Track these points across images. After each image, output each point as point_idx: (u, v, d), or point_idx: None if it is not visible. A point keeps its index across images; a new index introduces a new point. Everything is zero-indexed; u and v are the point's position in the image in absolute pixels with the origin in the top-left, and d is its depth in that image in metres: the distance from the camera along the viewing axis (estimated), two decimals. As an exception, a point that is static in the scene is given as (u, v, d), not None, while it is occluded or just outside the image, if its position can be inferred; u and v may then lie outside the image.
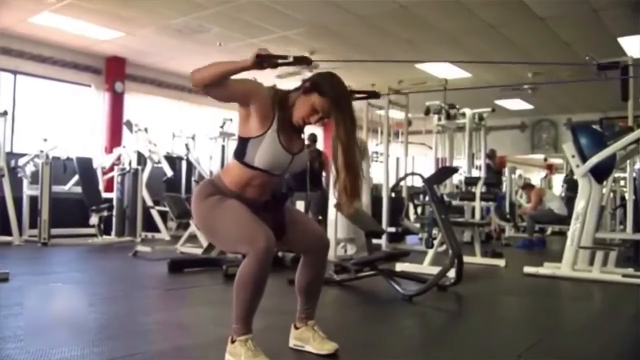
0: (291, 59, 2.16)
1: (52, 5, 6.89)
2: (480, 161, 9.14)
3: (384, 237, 6.99)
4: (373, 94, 2.64)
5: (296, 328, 2.36)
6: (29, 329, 2.70)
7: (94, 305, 3.38)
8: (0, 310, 3.09)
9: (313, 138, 8.61)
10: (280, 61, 2.11)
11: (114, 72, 9.66)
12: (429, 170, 10.22)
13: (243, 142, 2.11)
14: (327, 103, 2.08)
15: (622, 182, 9.61)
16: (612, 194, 8.82)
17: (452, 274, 3.96)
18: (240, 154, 2.12)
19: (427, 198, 5.24)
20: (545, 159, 15.95)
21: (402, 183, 10.19)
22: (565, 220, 8.19)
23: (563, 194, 10.27)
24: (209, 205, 2.13)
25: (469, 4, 6.64)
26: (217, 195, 2.14)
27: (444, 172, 6.13)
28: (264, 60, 1.99)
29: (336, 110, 2.08)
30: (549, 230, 10.21)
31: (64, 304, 3.45)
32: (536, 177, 16.21)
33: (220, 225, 2.12)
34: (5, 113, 7.23)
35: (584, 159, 4.92)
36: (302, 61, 2.25)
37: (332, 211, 5.77)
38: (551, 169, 17.26)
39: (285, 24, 7.51)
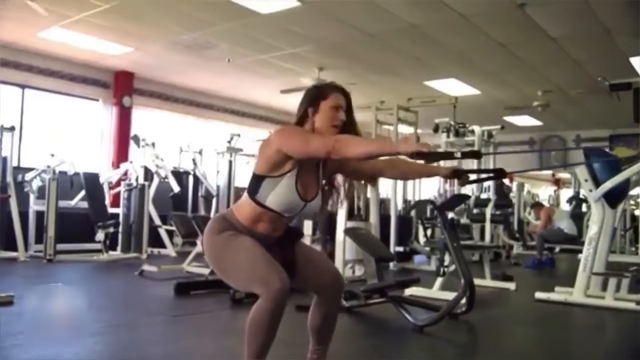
0: (458, 155, 1.90)
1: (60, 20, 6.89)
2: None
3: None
4: (499, 174, 2.20)
5: (307, 369, 2.29)
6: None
7: (99, 335, 3.33)
8: (5, 340, 3.03)
9: None
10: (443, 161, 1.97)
11: (122, 86, 9.66)
12: (436, 187, 10.17)
13: (258, 180, 2.06)
14: (337, 96, 2.11)
15: (631, 201, 9.52)
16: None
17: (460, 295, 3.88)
18: (253, 191, 2.07)
19: (436, 217, 5.17)
20: (553, 174, 15.86)
21: (410, 198, 10.16)
22: (575, 239, 8.11)
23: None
24: (221, 242, 2.07)
25: (479, 23, 6.59)
26: (229, 230, 2.08)
27: (456, 199, 6.07)
28: (424, 157, 1.78)
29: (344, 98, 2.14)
30: (557, 248, 10.08)
31: (69, 334, 3.40)
32: (544, 193, 16.11)
33: (233, 263, 2.06)
34: (12, 128, 7.21)
35: (597, 183, 4.84)
36: (471, 156, 1.98)
37: (340, 232, 5.71)
38: (559, 184, 17.14)
39: (294, 40, 7.48)
